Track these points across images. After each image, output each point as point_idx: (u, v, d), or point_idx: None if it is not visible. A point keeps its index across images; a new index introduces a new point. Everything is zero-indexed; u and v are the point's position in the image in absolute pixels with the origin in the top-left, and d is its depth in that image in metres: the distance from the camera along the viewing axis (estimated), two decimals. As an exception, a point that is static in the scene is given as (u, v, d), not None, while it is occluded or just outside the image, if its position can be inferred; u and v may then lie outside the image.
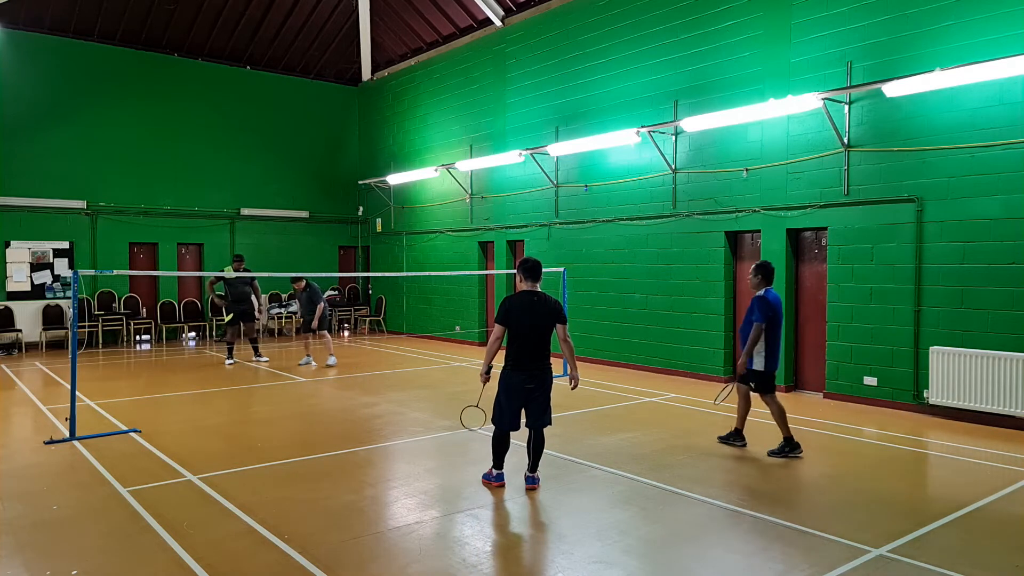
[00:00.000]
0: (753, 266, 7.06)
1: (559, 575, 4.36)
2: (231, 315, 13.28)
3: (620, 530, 5.02)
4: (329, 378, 11.54)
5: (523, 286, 5.91)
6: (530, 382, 5.79)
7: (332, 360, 12.75)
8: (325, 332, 12.93)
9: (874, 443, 7.48)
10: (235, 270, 13.17)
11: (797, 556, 4.57)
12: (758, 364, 6.91)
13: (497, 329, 5.81)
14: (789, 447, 6.80)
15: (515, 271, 6.02)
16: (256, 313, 13.43)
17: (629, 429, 7.90)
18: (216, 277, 13.81)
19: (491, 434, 6.03)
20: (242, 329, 13.92)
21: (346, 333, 18.74)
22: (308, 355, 13.02)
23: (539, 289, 5.92)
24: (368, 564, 4.48)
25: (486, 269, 15.50)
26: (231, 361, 13.13)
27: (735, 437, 7.19)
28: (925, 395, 8.65)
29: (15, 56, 15.07)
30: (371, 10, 18.04)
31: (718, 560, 4.57)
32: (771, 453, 6.85)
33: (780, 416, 6.86)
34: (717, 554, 4.67)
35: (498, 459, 5.97)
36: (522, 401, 5.86)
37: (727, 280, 10.92)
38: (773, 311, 6.81)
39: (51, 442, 7.31)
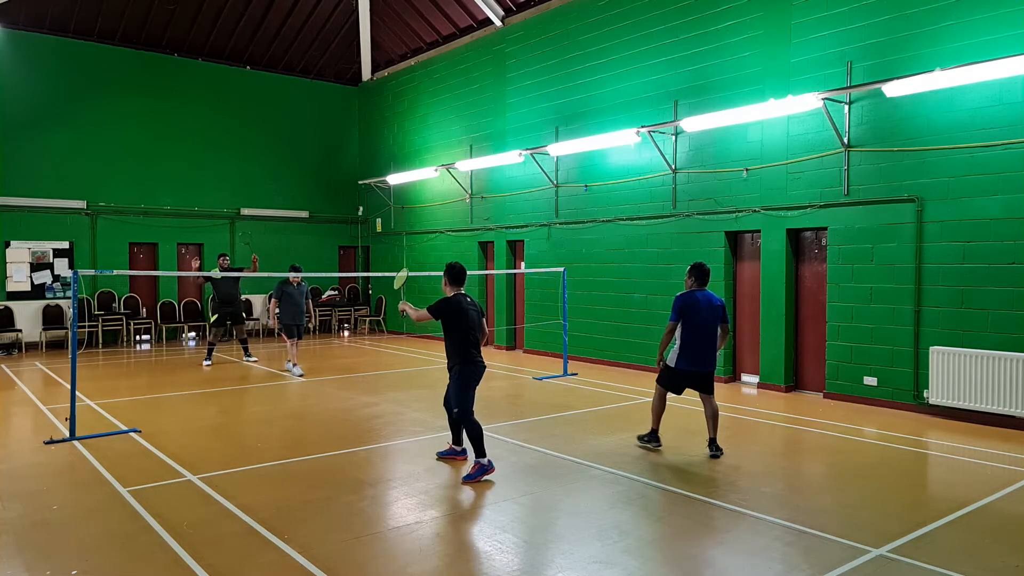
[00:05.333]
0: (689, 267, 7.21)
1: (559, 575, 4.36)
2: (216, 316, 13.16)
3: (620, 530, 5.02)
4: (329, 378, 11.53)
5: (451, 290, 6.48)
6: (482, 370, 6.48)
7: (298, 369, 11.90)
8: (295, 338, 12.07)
9: (874, 443, 7.48)
10: (221, 268, 12.94)
11: (797, 556, 4.57)
12: (670, 360, 7.05)
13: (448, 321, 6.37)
14: (650, 437, 7.18)
15: (444, 276, 6.55)
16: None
17: (629, 429, 7.90)
18: (204, 278, 13.52)
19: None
20: (229, 330, 13.73)
21: (346, 333, 18.74)
22: (294, 363, 11.96)
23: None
24: (368, 564, 4.48)
25: (486, 269, 15.50)
26: (208, 363, 12.87)
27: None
28: (925, 395, 8.65)
29: (15, 56, 15.08)
30: (371, 10, 18.04)
31: (718, 560, 4.57)
32: (639, 437, 7.28)
33: (656, 409, 7.16)
34: (717, 554, 4.67)
35: (483, 446, 6.25)
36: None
37: (727, 280, 10.92)
38: (685, 311, 6.89)
39: (51, 442, 7.31)
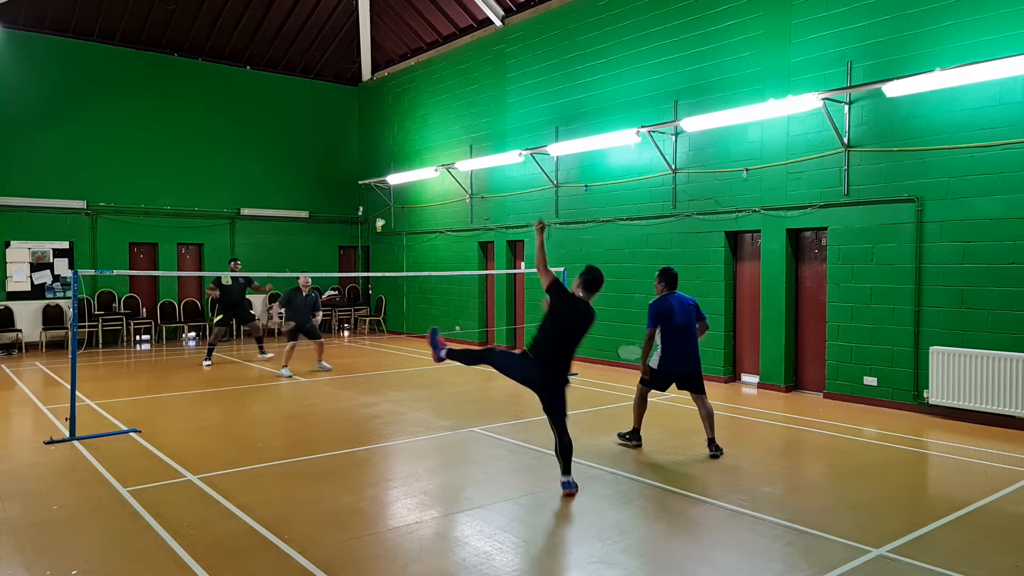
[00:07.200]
0: (657, 273, 7.31)
1: (559, 575, 4.36)
2: (220, 316, 13.24)
3: (620, 530, 5.02)
4: (329, 378, 11.53)
5: (581, 293, 6.02)
6: (537, 374, 5.96)
7: (286, 371, 11.79)
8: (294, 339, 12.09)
9: (874, 443, 7.48)
10: (232, 270, 13.11)
11: (797, 556, 4.57)
12: (653, 362, 7.14)
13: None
14: (632, 436, 7.26)
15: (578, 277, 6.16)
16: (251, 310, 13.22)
17: (628, 429, 7.88)
18: (215, 285, 13.43)
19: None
20: (233, 330, 13.77)
21: (346, 333, 18.74)
22: (285, 363, 12.04)
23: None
24: (368, 564, 4.48)
25: (486, 269, 15.50)
26: (208, 363, 12.87)
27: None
28: (925, 395, 8.65)
29: (15, 56, 15.07)
30: (371, 10, 18.04)
31: (718, 560, 4.57)
32: (619, 435, 7.36)
33: (637, 409, 7.25)
34: (717, 554, 4.67)
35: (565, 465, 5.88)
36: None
37: (727, 280, 10.92)
38: (661, 316, 7.00)
39: (51, 442, 7.31)
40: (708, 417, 6.99)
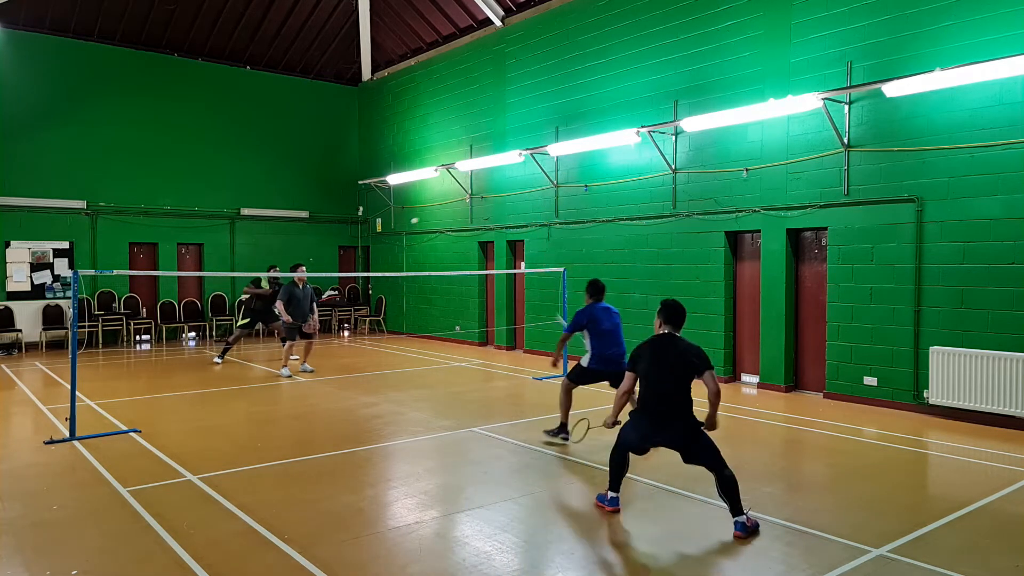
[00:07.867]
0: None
1: (559, 575, 4.36)
2: (247, 320, 13.29)
3: (620, 530, 5.02)
4: (329, 378, 11.53)
5: (665, 330, 5.55)
6: (646, 431, 5.42)
7: (286, 371, 11.73)
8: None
9: (874, 443, 7.48)
10: (271, 281, 13.17)
11: (797, 556, 4.57)
12: (584, 362, 7.50)
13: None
14: (559, 431, 7.48)
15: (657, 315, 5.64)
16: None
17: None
18: (253, 286, 13.32)
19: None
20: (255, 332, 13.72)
21: (346, 333, 18.74)
22: (284, 363, 11.90)
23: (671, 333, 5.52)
24: (368, 564, 4.48)
25: (486, 269, 15.50)
26: (219, 360, 12.99)
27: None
28: (925, 395, 8.65)
29: (15, 56, 15.07)
30: (371, 10, 18.05)
31: (718, 560, 4.57)
32: (547, 431, 7.60)
33: (564, 404, 7.51)
34: (717, 554, 4.67)
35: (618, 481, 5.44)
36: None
37: (727, 280, 10.91)
38: (584, 322, 7.46)
39: (51, 442, 7.31)
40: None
